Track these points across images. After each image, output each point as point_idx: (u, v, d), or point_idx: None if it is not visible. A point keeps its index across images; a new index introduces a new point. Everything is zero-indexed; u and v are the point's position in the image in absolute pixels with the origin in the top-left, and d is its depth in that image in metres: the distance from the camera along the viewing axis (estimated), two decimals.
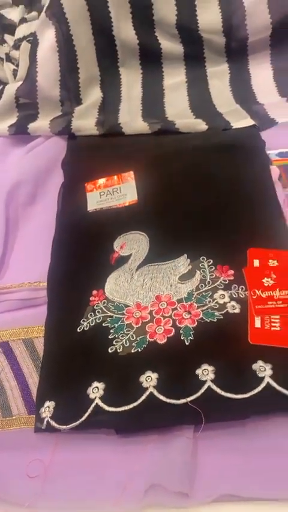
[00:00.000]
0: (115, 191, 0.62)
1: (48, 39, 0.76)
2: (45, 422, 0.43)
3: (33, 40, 0.80)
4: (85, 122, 0.73)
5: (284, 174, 0.60)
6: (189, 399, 0.40)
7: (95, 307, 0.49)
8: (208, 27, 0.75)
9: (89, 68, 0.77)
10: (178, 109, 0.73)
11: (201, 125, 0.68)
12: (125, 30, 0.76)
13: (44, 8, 0.79)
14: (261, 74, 0.77)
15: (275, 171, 0.60)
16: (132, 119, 0.73)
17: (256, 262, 0.50)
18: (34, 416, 0.45)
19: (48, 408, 0.43)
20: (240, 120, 0.68)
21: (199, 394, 0.40)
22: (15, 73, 0.86)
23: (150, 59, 0.79)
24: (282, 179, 0.60)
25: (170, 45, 0.77)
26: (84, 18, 0.75)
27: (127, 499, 0.38)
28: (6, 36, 0.96)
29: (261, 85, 0.75)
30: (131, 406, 0.41)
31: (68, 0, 0.74)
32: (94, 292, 0.50)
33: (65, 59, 0.76)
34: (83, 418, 0.42)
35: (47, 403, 0.44)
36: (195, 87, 0.76)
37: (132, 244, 0.54)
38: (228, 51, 0.78)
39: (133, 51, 0.78)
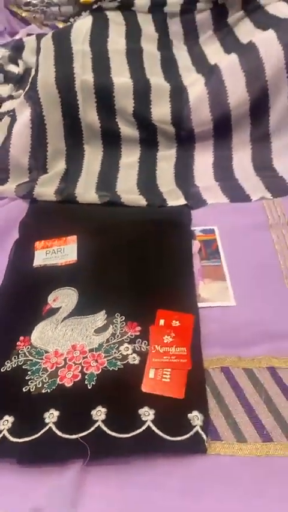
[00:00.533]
0: (59, 251, 0.71)
1: (23, 116, 0.89)
2: None
3: (12, 116, 0.94)
4: (46, 189, 0.84)
5: (204, 248, 0.70)
6: (80, 435, 0.47)
7: (19, 351, 0.57)
8: (160, 118, 0.88)
9: (57, 143, 0.90)
10: (127, 185, 0.85)
11: (142, 201, 0.79)
12: (90, 115, 0.89)
13: (24, 91, 0.93)
14: (203, 160, 0.89)
15: (196, 245, 0.71)
16: (86, 190, 0.84)
17: (161, 322, 0.58)
18: None
19: None
20: (175, 200, 0.79)
21: (89, 431, 0.47)
22: None
23: (111, 140, 0.91)
24: (202, 252, 0.70)
25: (128, 130, 0.90)
26: (55, 102, 0.88)
27: None
28: None
29: (200, 170, 0.87)
30: (32, 437, 0.48)
31: (42, 88, 0.88)
32: (21, 338, 0.58)
33: (36, 134, 0.88)
34: None
35: None
36: (145, 167, 0.88)
37: (64, 298, 0.63)
38: (178, 138, 0.91)
39: (96, 133, 0.91)
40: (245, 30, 1.00)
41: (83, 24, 0.98)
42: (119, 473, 0.47)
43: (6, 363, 0.56)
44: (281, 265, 0.66)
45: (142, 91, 0.89)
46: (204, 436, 0.47)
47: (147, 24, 1.06)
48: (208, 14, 1.07)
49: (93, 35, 0.96)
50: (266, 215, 0.75)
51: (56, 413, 0.50)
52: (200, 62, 1.01)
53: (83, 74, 0.88)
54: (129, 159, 0.91)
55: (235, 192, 0.81)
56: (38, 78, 0.89)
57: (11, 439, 0.48)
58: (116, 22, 1.03)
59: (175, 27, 1.08)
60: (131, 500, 0.45)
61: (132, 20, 1.05)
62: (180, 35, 1.08)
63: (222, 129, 0.89)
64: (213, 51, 1.03)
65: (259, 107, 0.87)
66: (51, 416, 0.49)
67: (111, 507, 0.45)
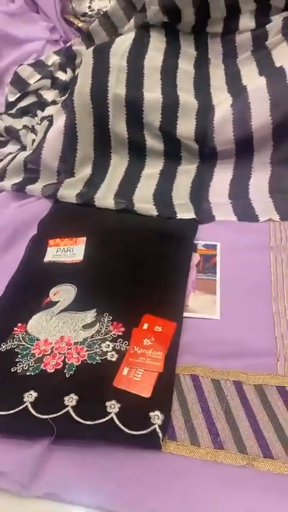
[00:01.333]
0: (68, 250, 0.78)
1: (59, 122, 0.97)
2: None
3: (50, 120, 1.02)
4: (69, 191, 0.91)
5: (203, 261, 0.74)
6: (50, 416, 0.53)
7: (15, 335, 0.63)
8: (184, 134, 0.93)
9: (86, 150, 0.96)
10: (144, 195, 0.89)
11: (153, 211, 0.84)
12: (119, 126, 0.95)
13: (62, 99, 1.01)
14: (222, 177, 0.92)
15: (195, 258, 0.74)
16: (106, 195, 0.90)
17: (145, 326, 0.63)
18: None
19: None
20: (185, 213, 0.83)
21: (59, 414, 0.53)
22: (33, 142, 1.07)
23: (137, 151, 0.97)
24: (199, 265, 0.73)
25: (153, 142, 0.95)
26: (88, 112, 0.95)
27: None
28: (39, 112, 1.19)
29: (217, 187, 0.90)
30: (9, 412, 0.54)
31: (78, 97, 0.95)
32: (19, 324, 0.65)
33: (68, 140, 0.95)
34: None
35: None
36: (164, 179, 0.93)
37: (63, 293, 0.69)
38: (201, 154, 0.95)
39: (123, 143, 0.97)
40: (281, 54, 1.02)
41: (125, 40, 1.04)
42: (79, 455, 0.52)
43: (2, 344, 0.62)
44: (273, 286, 0.69)
45: (170, 107, 0.94)
46: (160, 434, 0.51)
47: (188, 43, 1.11)
48: (249, 35, 1.10)
49: (132, 51, 1.01)
50: (269, 236, 0.77)
51: (34, 394, 0.55)
52: (233, 81, 1.04)
53: (116, 87, 0.94)
54: (152, 170, 0.95)
55: (245, 211, 0.83)
56: (75, 87, 0.96)
57: None
58: (157, 40, 1.08)
59: (215, 46, 1.12)
60: (84, 479, 0.50)
61: (174, 39, 1.10)
62: (219, 54, 1.12)
63: (244, 150, 0.91)
64: (248, 71, 1.06)
65: (281, 131, 0.89)
66: (30, 396, 0.55)
67: (66, 482, 0.50)
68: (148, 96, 0.94)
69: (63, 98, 1.17)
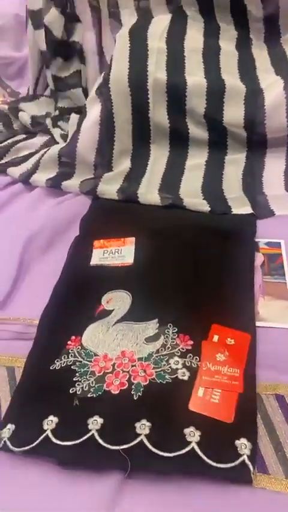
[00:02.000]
0: (116, 252, 0.71)
1: (93, 112, 0.89)
2: (2, 442, 0.50)
3: (83, 111, 0.94)
4: (109, 187, 0.84)
5: (267, 262, 0.67)
6: (121, 447, 0.46)
7: (69, 350, 0.57)
8: (232, 121, 0.85)
9: (124, 141, 0.89)
10: (191, 188, 0.82)
11: (205, 207, 0.77)
12: (159, 114, 0.87)
13: (95, 87, 0.93)
14: (274, 167, 0.85)
15: (259, 258, 0.67)
16: (149, 190, 0.83)
17: (215, 338, 0.56)
18: None
19: (8, 430, 0.50)
20: (241, 207, 0.76)
21: (131, 444, 0.46)
22: (63, 136, 1.00)
23: (179, 141, 0.89)
24: (264, 267, 0.66)
25: (197, 131, 0.88)
26: (126, 100, 0.87)
27: None
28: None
29: (270, 177, 0.83)
30: (73, 442, 0.47)
31: (115, 84, 0.87)
32: (73, 337, 0.58)
33: (105, 131, 0.88)
34: (33, 445, 0.48)
35: (9, 426, 0.51)
36: (211, 170, 0.85)
37: (117, 301, 0.62)
38: (249, 143, 0.87)
39: (164, 133, 0.89)
40: None
41: (162, 21, 0.96)
42: (157, 491, 0.45)
43: (56, 361, 0.56)
44: None
45: (216, 91, 0.86)
46: (251, 467, 0.44)
47: (227, 23, 1.02)
48: None
49: (171, 32, 0.93)
50: None
51: (100, 420, 0.49)
52: (280, 62, 0.95)
53: (156, 71, 0.86)
54: (196, 161, 0.88)
55: None
56: (110, 73, 0.88)
57: (54, 440, 0.48)
58: (195, 19, 0.99)
59: (256, 25, 1.03)
60: None
61: (212, 18, 1.01)
62: (261, 34, 1.03)
63: None
64: None
65: None
66: (95, 423, 0.49)
67: None
68: (191, 80, 0.86)
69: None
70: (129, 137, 0.89)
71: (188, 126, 0.88)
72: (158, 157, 0.90)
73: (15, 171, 0.91)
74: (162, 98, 0.87)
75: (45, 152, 0.92)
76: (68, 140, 0.92)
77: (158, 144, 0.90)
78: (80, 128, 0.90)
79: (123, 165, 0.89)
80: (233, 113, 0.85)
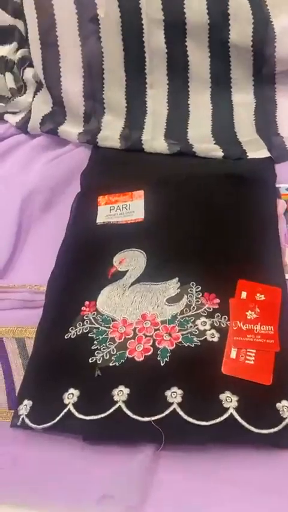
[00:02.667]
0: (124, 207, 0.64)
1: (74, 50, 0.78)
2: (20, 420, 0.46)
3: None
4: (110, 133, 0.76)
5: None
6: (153, 418, 0.42)
7: (84, 317, 0.52)
8: (238, 38, 0.73)
9: (116, 75, 0.77)
10: (200, 132, 0.75)
11: (218, 152, 0.70)
12: (155, 38, 0.75)
13: None
14: (287, 105, 0.77)
15: (281, 205, 0.61)
16: (154, 136, 0.75)
17: (243, 294, 0.51)
18: (13, 411, 0.48)
19: (25, 406, 0.46)
20: (257, 151, 0.69)
21: (163, 415, 0.42)
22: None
23: (178, 73, 0.78)
24: None
25: (198, 60, 0.77)
26: (115, 24, 0.74)
27: (80, 504, 0.40)
28: None
29: (284, 117, 0.75)
30: (99, 416, 0.43)
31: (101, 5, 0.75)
32: (86, 302, 0.53)
33: (92, 69, 0.77)
34: (55, 421, 0.44)
35: (25, 402, 0.47)
36: (220, 112, 0.77)
37: (131, 261, 0.57)
38: (256, 77, 0.78)
39: (161, 60, 0.77)
40: None
41: None
42: (193, 463, 0.42)
43: (70, 329, 0.51)
44: None
45: (217, 4, 0.73)
46: None
47: None
48: None
49: None
50: None
51: (125, 390, 0.45)
52: None
53: None
54: (201, 100, 0.79)
55: None
56: None
57: (77, 415, 0.44)
58: None
59: None
60: (203, 493, 0.40)
61: None
62: None
63: None
64: None
65: None
66: (121, 393, 0.44)
67: (181, 498, 0.40)
68: None
69: None
70: (121, 69, 0.78)
71: (187, 49, 0.77)
72: (157, 94, 0.80)
73: (12, 119, 0.83)
74: (158, 16, 0.75)
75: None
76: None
77: (155, 76, 0.79)
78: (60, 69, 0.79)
79: (118, 105, 0.79)
80: (241, 29, 0.74)
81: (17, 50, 0.87)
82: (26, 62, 0.87)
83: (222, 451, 0.42)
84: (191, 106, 0.79)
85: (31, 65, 0.85)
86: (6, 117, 0.84)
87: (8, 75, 0.84)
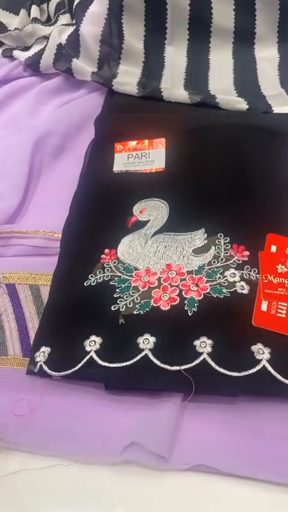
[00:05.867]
0: (143, 156, 0.61)
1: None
2: (38, 366, 0.43)
3: None
4: (128, 79, 0.72)
5: None
6: (182, 367, 0.40)
7: (105, 265, 0.49)
8: None
9: (135, 26, 0.74)
10: (221, 84, 0.71)
11: (242, 104, 0.66)
12: None
13: None
14: None
15: None
16: (173, 85, 0.71)
17: (273, 248, 0.49)
18: (28, 359, 0.45)
19: (43, 353, 0.44)
20: (283, 106, 0.66)
21: (193, 364, 0.40)
22: None
23: (199, 28, 0.76)
24: None
25: (222, 13, 0.74)
26: None
27: (105, 452, 0.38)
28: None
29: None
30: (124, 364, 0.41)
31: None
32: (106, 250, 0.50)
33: (112, 18, 0.74)
34: (76, 368, 0.42)
35: (43, 348, 0.44)
36: (242, 65, 0.74)
37: (152, 210, 0.54)
38: (280, 31, 0.75)
39: (184, 14, 0.75)
40: None
41: None
42: (221, 415, 0.41)
43: (90, 277, 0.48)
44: None
45: None
46: None
47: None
48: None
49: None
50: None
51: (151, 339, 0.42)
52: None
53: None
54: (222, 54, 0.76)
55: None
56: None
57: (100, 362, 0.42)
58: None
59: None
60: (231, 443, 0.39)
61: None
62: None
63: None
64: None
65: None
66: (146, 342, 0.42)
67: (208, 451, 0.39)
68: None
69: None
70: (141, 21, 0.75)
71: (212, 5, 0.73)
72: (176, 46, 0.77)
73: (21, 55, 0.77)
74: None
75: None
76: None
77: (176, 30, 0.76)
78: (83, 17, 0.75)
79: (135, 52, 0.75)
80: None
81: None
82: None
83: (249, 402, 0.41)
84: (211, 60, 0.76)
85: None
86: (15, 53, 0.78)
87: (34, 7, 0.80)
